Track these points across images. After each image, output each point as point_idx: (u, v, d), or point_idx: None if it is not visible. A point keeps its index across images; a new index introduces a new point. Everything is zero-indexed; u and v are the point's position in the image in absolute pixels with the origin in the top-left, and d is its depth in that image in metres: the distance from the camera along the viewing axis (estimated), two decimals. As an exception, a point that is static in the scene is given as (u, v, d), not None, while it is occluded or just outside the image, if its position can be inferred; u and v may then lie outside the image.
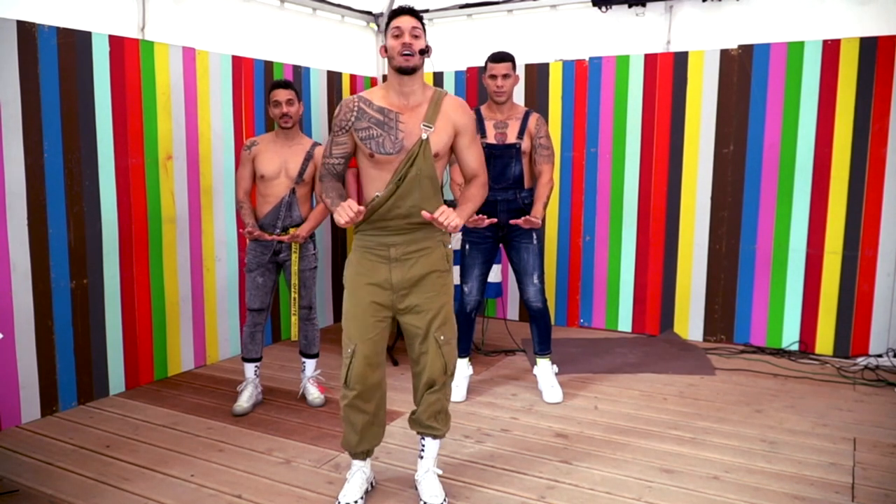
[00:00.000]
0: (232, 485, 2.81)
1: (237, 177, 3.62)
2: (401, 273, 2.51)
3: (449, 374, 2.63)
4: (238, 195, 3.60)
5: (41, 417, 3.48)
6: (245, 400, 3.61)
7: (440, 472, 2.73)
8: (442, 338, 2.57)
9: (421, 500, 2.65)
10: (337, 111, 2.54)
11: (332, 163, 2.55)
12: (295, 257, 3.56)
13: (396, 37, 2.46)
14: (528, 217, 3.46)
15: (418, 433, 2.70)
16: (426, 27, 2.55)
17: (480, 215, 3.37)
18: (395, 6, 5.64)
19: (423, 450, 2.70)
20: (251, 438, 3.26)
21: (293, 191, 3.53)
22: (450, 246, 2.64)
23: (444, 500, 2.63)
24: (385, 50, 2.50)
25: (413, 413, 2.69)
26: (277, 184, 3.53)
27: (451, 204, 4.47)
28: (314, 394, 3.71)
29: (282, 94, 3.48)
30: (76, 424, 3.41)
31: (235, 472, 2.92)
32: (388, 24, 2.52)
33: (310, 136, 4.98)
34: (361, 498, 2.64)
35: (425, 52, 2.48)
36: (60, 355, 3.55)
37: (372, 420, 2.59)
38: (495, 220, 3.41)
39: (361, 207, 2.36)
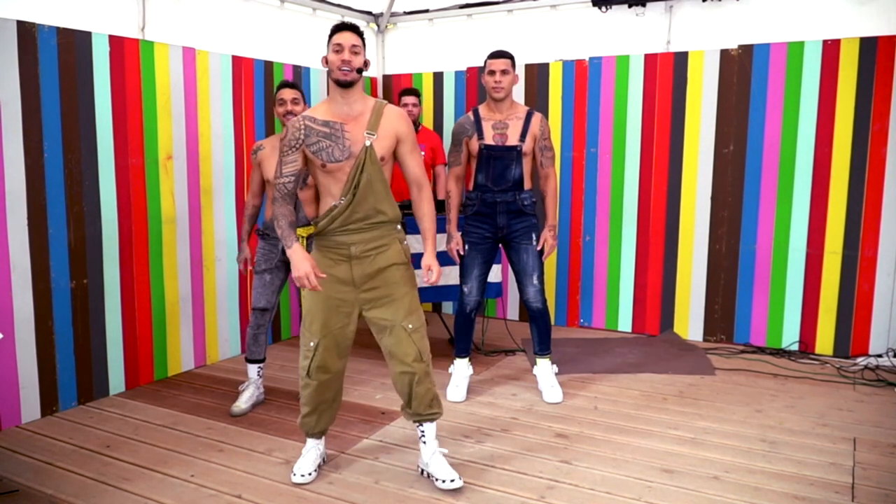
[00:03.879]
0: (232, 485, 2.81)
1: (249, 180, 3.67)
2: (361, 269, 2.68)
3: (426, 361, 2.75)
4: (247, 197, 3.69)
5: (41, 417, 3.48)
6: (244, 401, 3.62)
7: (445, 451, 2.87)
8: (410, 326, 2.71)
9: (437, 480, 2.75)
10: (283, 133, 2.70)
11: (283, 182, 2.70)
12: None
13: (337, 52, 2.61)
14: (546, 244, 3.64)
15: (416, 422, 2.83)
16: (363, 39, 2.71)
17: (454, 242, 3.65)
18: (393, 7, 5.67)
19: (423, 434, 2.84)
20: (251, 438, 3.26)
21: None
22: (405, 243, 2.79)
23: (459, 476, 2.75)
24: (326, 61, 2.66)
25: (406, 407, 2.83)
26: None
27: (441, 204, 4.50)
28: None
29: (287, 94, 3.49)
30: (76, 424, 3.41)
31: (235, 472, 2.92)
32: (330, 37, 2.65)
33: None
34: (315, 471, 2.86)
35: (363, 69, 2.65)
36: (60, 355, 3.55)
37: (329, 405, 2.83)
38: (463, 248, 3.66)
39: (315, 284, 2.61)
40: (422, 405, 2.77)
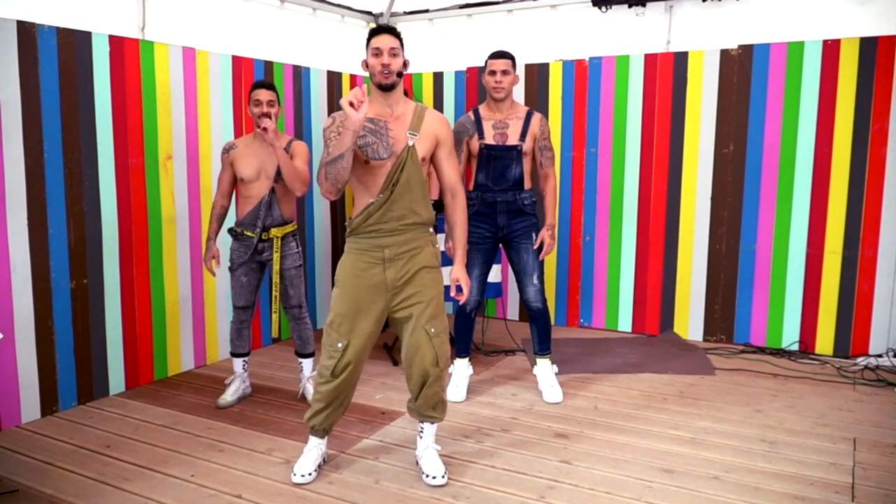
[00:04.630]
0: (232, 485, 2.81)
1: (218, 179, 3.65)
2: (394, 272, 2.68)
3: (441, 366, 2.77)
4: (215, 197, 3.68)
5: (41, 417, 3.48)
6: (230, 394, 3.69)
7: (439, 448, 2.94)
8: (433, 330, 2.73)
9: (423, 474, 2.82)
10: (329, 122, 2.65)
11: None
12: (277, 256, 3.57)
13: (376, 55, 2.62)
14: (544, 243, 3.64)
15: (417, 419, 2.90)
16: (402, 40, 2.70)
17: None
18: (393, 7, 5.67)
19: (421, 431, 2.91)
20: (251, 438, 3.26)
21: (273, 190, 3.53)
22: (437, 246, 2.81)
23: (444, 474, 2.80)
24: (366, 65, 2.67)
25: (411, 402, 2.87)
26: (257, 185, 3.53)
27: (436, 204, 4.49)
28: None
29: (263, 95, 3.45)
30: (76, 424, 3.41)
31: (235, 472, 2.92)
32: (368, 40, 2.66)
33: (309, 137, 4.98)
34: (315, 471, 2.87)
35: (402, 72, 2.66)
36: (60, 355, 3.55)
37: (341, 403, 2.85)
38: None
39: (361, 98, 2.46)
40: (426, 406, 2.82)
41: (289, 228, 3.62)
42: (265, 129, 3.33)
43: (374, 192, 2.65)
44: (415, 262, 2.70)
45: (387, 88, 2.64)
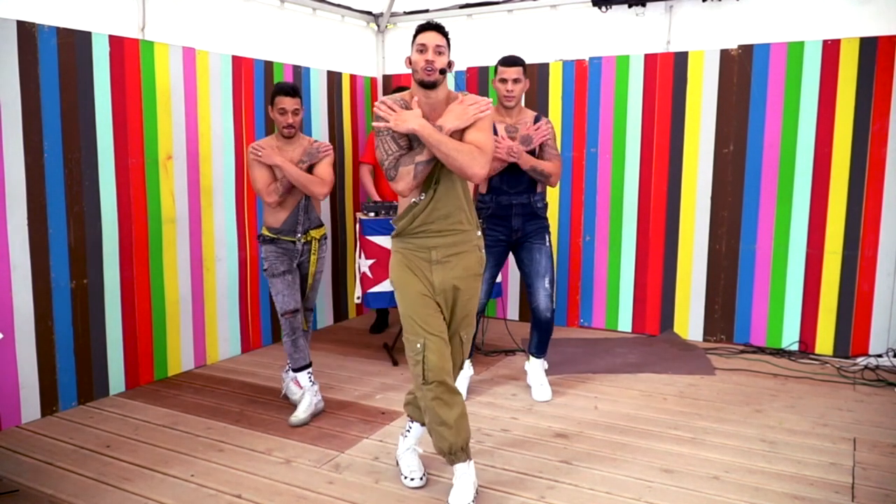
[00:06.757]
0: (232, 485, 2.81)
1: (255, 177, 3.43)
2: (441, 274, 2.63)
3: (460, 368, 2.79)
4: (261, 195, 3.46)
5: (41, 417, 3.48)
6: (302, 411, 3.41)
7: (421, 450, 2.88)
8: (465, 336, 2.74)
9: (402, 475, 2.81)
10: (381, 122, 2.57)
11: (394, 157, 2.57)
12: (314, 258, 3.56)
13: (420, 52, 2.55)
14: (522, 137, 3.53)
15: (410, 417, 2.82)
16: (448, 39, 2.60)
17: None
18: (393, 7, 5.67)
19: (409, 430, 2.85)
20: (251, 438, 3.26)
21: (306, 195, 3.51)
22: (482, 251, 2.74)
23: (424, 475, 2.79)
24: (409, 62, 2.59)
25: (412, 397, 2.77)
26: (293, 189, 3.46)
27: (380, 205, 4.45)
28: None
29: (289, 103, 3.37)
30: (76, 424, 3.41)
31: (235, 472, 2.92)
32: (414, 36, 2.59)
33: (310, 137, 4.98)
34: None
35: (446, 70, 2.57)
36: (60, 355, 3.55)
37: (463, 410, 2.63)
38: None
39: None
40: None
41: (323, 231, 3.62)
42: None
43: (416, 193, 2.60)
44: (462, 268, 2.64)
45: (429, 86, 2.54)
